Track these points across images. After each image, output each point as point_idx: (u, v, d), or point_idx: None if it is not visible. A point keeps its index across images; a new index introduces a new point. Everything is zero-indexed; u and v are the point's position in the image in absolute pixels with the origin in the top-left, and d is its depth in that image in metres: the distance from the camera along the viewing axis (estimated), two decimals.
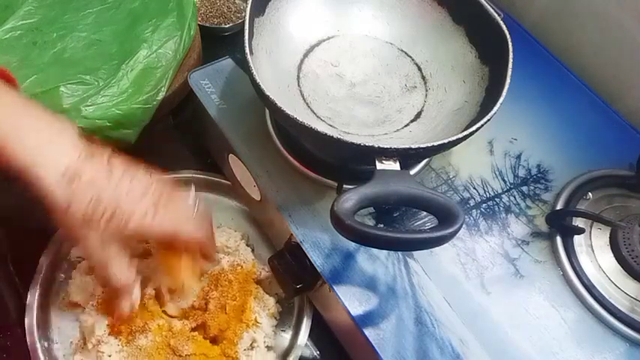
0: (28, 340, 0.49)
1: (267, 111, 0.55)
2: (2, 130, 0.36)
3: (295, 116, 0.42)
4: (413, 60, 0.56)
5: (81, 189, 0.37)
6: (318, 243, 0.48)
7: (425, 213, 0.50)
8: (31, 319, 0.50)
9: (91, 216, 0.38)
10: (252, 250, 0.59)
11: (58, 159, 0.37)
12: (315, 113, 0.51)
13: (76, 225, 0.39)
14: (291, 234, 0.49)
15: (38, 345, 0.49)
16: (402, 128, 0.51)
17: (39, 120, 0.39)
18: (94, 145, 0.40)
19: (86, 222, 0.38)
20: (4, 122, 0.37)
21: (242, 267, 0.55)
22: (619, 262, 0.49)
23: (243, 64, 0.51)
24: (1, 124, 0.37)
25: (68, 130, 0.40)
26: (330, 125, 0.50)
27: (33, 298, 0.51)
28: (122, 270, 0.42)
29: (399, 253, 0.48)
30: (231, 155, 0.55)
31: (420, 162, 0.54)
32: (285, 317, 0.56)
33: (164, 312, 0.51)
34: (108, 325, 0.49)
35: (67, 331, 0.52)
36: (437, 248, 0.48)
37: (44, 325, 0.51)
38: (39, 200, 0.37)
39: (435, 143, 0.42)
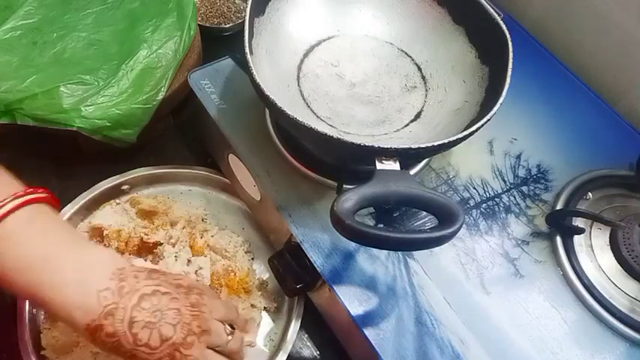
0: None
1: (267, 111, 0.55)
2: (43, 286, 0.38)
3: (295, 116, 0.42)
4: (413, 60, 0.56)
5: (102, 339, 0.39)
6: (318, 243, 0.48)
7: (425, 213, 0.50)
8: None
9: (112, 351, 0.40)
10: (252, 259, 0.58)
11: (85, 314, 0.38)
12: (315, 113, 0.51)
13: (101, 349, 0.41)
14: (291, 234, 0.49)
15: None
16: (402, 128, 0.51)
17: (74, 266, 0.40)
18: (127, 280, 0.40)
19: (109, 351, 0.40)
20: (47, 278, 0.39)
21: (235, 274, 0.55)
22: (619, 262, 0.49)
23: (243, 64, 0.51)
24: (45, 279, 0.38)
25: (100, 271, 0.40)
26: (330, 125, 0.50)
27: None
28: None
29: (399, 253, 0.48)
30: (231, 155, 0.55)
31: (420, 162, 0.54)
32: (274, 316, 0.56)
33: None
34: None
35: None
36: (437, 248, 0.48)
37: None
38: None
39: (435, 143, 0.42)
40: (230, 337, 0.44)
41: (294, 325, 0.53)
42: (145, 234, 0.55)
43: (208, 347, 0.42)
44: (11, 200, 0.39)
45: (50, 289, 0.38)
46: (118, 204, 0.59)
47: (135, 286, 0.40)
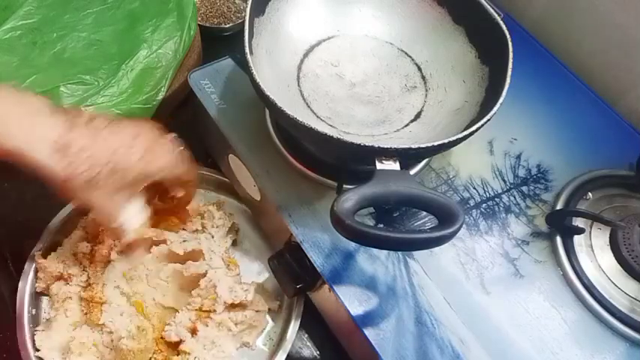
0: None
1: (267, 111, 0.55)
2: None
3: (295, 116, 0.42)
4: (413, 60, 0.56)
5: (75, 157, 0.38)
6: (318, 243, 0.48)
7: (425, 213, 0.50)
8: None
9: (91, 178, 0.39)
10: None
11: (45, 136, 0.37)
12: (315, 113, 0.51)
13: (80, 190, 0.40)
14: (291, 234, 0.49)
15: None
16: (402, 128, 0.51)
17: (14, 103, 0.39)
18: (71, 112, 0.41)
19: (89, 185, 0.39)
20: None
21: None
22: (619, 262, 0.49)
23: (243, 64, 0.50)
24: None
25: (44, 105, 0.40)
26: (330, 125, 0.50)
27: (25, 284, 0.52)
28: (135, 213, 0.45)
29: (399, 253, 0.48)
30: (231, 155, 0.55)
31: (420, 162, 0.54)
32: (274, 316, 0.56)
33: None
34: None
35: None
36: (437, 248, 0.48)
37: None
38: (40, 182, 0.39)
39: (435, 143, 0.42)
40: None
41: (294, 325, 0.53)
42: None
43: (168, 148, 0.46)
44: None
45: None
46: None
47: (77, 110, 0.41)
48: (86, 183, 0.39)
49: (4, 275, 0.54)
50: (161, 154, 0.45)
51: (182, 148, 0.49)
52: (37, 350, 0.49)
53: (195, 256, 0.54)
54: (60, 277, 0.53)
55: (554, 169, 0.55)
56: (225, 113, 0.55)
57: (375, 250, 0.48)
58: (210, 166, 0.62)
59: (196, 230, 0.57)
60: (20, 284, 0.52)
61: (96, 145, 0.39)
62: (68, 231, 0.56)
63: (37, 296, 0.53)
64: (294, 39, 0.55)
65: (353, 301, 0.46)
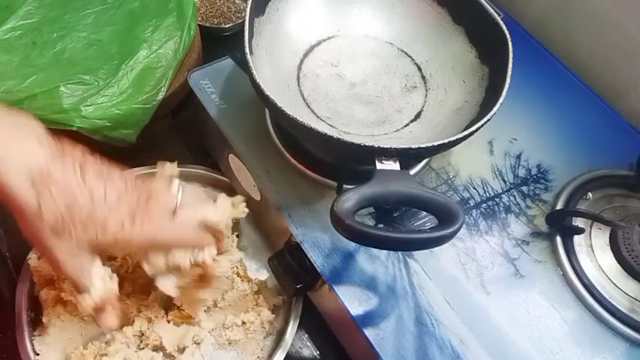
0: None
1: (267, 111, 0.55)
2: None
3: (295, 116, 0.42)
4: (413, 60, 0.56)
5: (51, 193, 0.33)
6: (318, 243, 0.48)
7: (425, 213, 0.50)
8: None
9: (62, 225, 0.34)
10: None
11: (23, 159, 0.33)
12: (315, 113, 0.51)
13: (46, 234, 0.35)
14: (291, 234, 0.49)
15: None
16: (402, 128, 0.51)
17: (7, 125, 0.35)
18: (63, 143, 0.36)
19: (57, 231, 0.34)
20: None
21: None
22: (619, 262, 0.49)
23: (243, 64, 0.51)
24: None
25: (32, 125, 0.36)
26: (330, 125, 0.50)
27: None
28: (97, 281, 0.38)
29: (399, 253, 0.48)
30: (231, 155, 0.55)
31: (420, 162, 0.54)
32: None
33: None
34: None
35: None
36: (437, 248, 0.48)
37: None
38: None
39: (435, 143, 0.42)
40: (180, 195, 0.42)
41: (293, 325, 0.53)
42: None
43: (165, 214, 0.40)
44: None
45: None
46: None
47: (73, 147, 0.37)
48: (54, 227, 0.34)
49: (4, 275, 0.54)
50: (154, 216, 0.38)
51: (190, 203, 0.42)
52: (37, 354, 0.49)
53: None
54: (51, 281, 0.52)
55: (554, 169, 0.55)
56: (225, 113, 0.55)
57: (375, 250, 0.48)
58: (210, 166, 0.62)
59: None
60: (19, 286, 0.52)
61: (77, 187, 0.34)
62: None
63: (36, 299, 0.52)
64: (294, 39, 0.55)
65: (353, 301, 0.46)
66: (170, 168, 0.46)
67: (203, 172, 0.62)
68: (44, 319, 0.51)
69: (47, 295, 0.51)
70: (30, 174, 0.33)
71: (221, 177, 0.61)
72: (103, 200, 0.35)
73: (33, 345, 0.49)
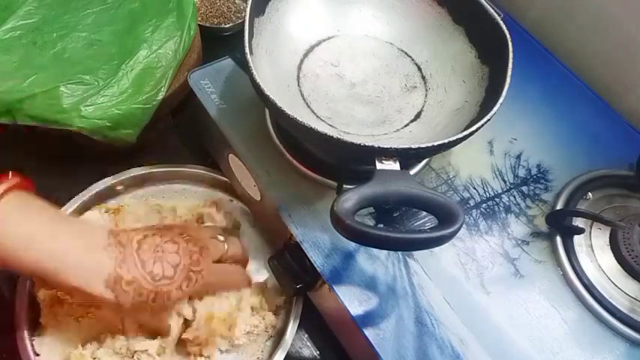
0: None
1: (267, 111, 0.55)
2: (51, 258, 0.41)
3: (295, 116, 0.42)
4: (413, 60, 0.56)
5: (123, 290, 0.43)
6: (318, 243, 0.48)
7: (425, 213, 0.50)
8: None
9: (137, 304, 0.44)
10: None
11: (100, 272, 0.42)
12: (315, 113, 0.51)
13: (127, 312, 0.46)
14: (291, 234, 0.49)
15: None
16: (402, 128, 0.51)
17: (74, 237, 0.43)
18: (122, 240, 0.44)
19: (134, 308, 0.44)
20: (50, 247, 0.42)
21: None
22: (619, 262, 0.49)
23: (243, 64, 0.50)
24: (49, 250, 0.41)
25: (101, 237, 0.44)
26: (330, 125, 0.50)
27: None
28: (173, 327, 0.50)
29: (399, 253, 0.48)
30: (231, 155, 0.55)
31: (420, 162, 0.54)
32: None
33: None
34: None
35: None
36: (437, 248, 0.48)
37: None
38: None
39: (435, 143, 0.42)
40: (226, 245, 0.51)
41: (293, 325, 0.53)
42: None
43: (213, 261, 0.48)
44: None
45: (58, 259, 0.41)
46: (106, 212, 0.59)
47: (129, 237, 0.45)
48: (132, 307, 0.44)
49: (4, 276, 0.54)
50: (207, 272, 0.47)
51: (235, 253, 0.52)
52: (37, 355, 0.49)
53: None
54: (45, 282, 0.51)
55: (554, 169, 0.55)
56: (225, 113, 0.55)
57: (375, 250, 0.48)
58: (210, 166, 0.62)
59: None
60: (18, 287, 0.51)
61: (141, 276, 0.43)
62: None
63: (35, 300, 0.52)
64: (294, 39, 0.55)
65: (353, 301, 0.46)
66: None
67: (203, 172, 0.62)
68: (42, 320, 0.51)
69: (45, 295, 0.51)
70: (105, 281, 0.42)
71: (221, 177, 0.61)
72: (162, 277, 0.44)
73: (33, 346, 0.49)
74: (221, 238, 0.51)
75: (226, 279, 0.51)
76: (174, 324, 0.49)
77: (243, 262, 0.54)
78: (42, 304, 0.51)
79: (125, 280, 0.42)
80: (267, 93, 0.43)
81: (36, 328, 0.51)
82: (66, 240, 0.42)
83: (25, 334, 0.49)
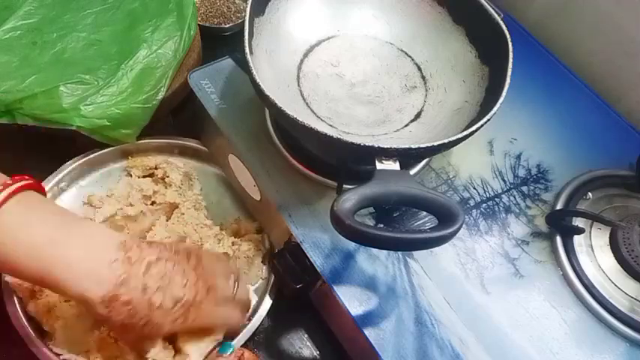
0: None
1: (267, 111, 0.55)
2: (54, 268, 0.40)
3: (295, 116, 0.42)
4: (413, 60, 0.56)
5: (116, 308, 0.41)
6: (318, 243, 0.48)
7: (425, 213, 0.50)
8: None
9: (127, 324, 0.42)
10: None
11: (99, 288, 0.40)
12: (315, 113, 0.51)
13: (114, 328, 0.45)
14: (291, 234, 0.49)
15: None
16: (402, 128, 0.51)
17: (78, 245, 0.41)
18: (132, 256, 0.42)
19: (123, 327, 0.42)
20: (54, 250, 0.40)
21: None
22: (619, 262, 0.49)
23: (243, 64, 0.51)
24: (52, 253, 0.40)
25: (106, 245, 0.42)
26: (330, 125, 0.50)
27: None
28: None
29: (399, 253, 0.48)
30: (231, 155, 0.55)
31: (420, 162, 0.54)
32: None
33: None
34: None
35: None
36: (437, 248, 0.48)
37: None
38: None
39: (435, 143, 0.42)
40: (235, 289, 0.48)
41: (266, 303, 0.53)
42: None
43: (218, 302, 0.45)
44: (3, 190, 0.39)
45: (61, 268, 0.39)
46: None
47: (141, 255, 0.42)
48: (121, 326, 0.42)
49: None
50: (206, 310, 0.45)
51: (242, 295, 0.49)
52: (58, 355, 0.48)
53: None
54: (33, 292, 0.51)
55: (554, 169, 0.55)
56: (225, 113, 0.55)
57: (375, 250, 0.48)
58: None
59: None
60: (8, 308, 0.50)
61: (137, 303, 0.41)
62: None
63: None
64: (294, 39, 0.55)
65: (353, 301, 0.46)
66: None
67: (181, 141, 0.61)
68: (46, 327, 0.50)
69: (36, 308, 0.50)
70: (102, 295, 0.40)
71: (197, 145, 0.61)
72: (159, 307, 0.42)
73: (52, 350, 0.48)
74: (232, 279, 0.48)
75: (221, 322, 0.48)
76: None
77: (244, 308, 0.51)
78: (37, 316, 0.50)
79: (122, 300, 0.40)
80: (267, 93, 0.43)
81: (44, 336, 0.50)
82: (71, 250, 0.40)
83: (41, 346, 0.48)
